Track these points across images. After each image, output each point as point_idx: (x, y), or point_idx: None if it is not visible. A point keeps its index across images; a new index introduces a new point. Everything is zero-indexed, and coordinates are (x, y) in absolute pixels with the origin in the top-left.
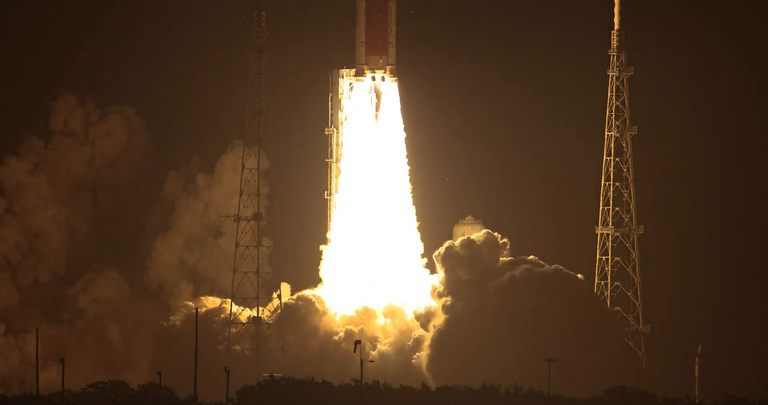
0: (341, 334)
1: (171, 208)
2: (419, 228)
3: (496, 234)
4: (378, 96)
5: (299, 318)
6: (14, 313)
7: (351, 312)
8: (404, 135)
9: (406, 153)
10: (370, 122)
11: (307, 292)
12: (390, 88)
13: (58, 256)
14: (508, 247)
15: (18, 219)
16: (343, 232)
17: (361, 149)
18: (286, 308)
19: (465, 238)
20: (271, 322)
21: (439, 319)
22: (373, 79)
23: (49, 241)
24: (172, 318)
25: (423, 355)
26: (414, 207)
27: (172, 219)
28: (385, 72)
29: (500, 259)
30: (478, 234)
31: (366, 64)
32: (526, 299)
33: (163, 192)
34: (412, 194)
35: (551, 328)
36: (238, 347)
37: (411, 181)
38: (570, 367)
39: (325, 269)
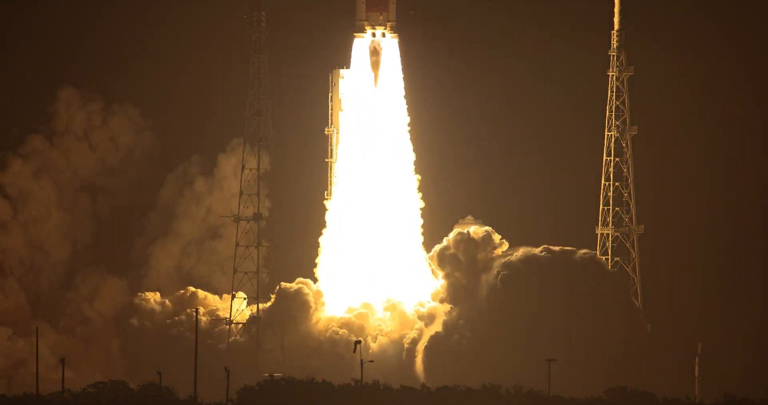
0: (340, 321)
1: (170, 214)
2: (421, 219)
3: (496, 235)
4: (378, 53)
5: (299, 304)
6: (21, 317)
7: (349, 307)
8: (404, 99)
9: (407, 120)
10: (369, 81)
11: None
12: (390, 44)
13: (59, 266)
14: (505, 248)
15: (22, 227)
16: (341, 230)
17: (361, 112)
18: (284, 293)
19: (463, 231)
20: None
21: (439, 324)
22: (374, 35)
23: (52, 252)
24: (143, 296)
25: (419, 360)
26: (417, 201)
27: (171, 225)
28: (385, 28)
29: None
30: (475, 228)
31: (366, 20)
32: (525, 285)
33: (160, 199)
34: (417, 181)
35: (554, 319)
36: (239, 337)
37: (416, 170)
38: (577, 359)
39: (322, 269)
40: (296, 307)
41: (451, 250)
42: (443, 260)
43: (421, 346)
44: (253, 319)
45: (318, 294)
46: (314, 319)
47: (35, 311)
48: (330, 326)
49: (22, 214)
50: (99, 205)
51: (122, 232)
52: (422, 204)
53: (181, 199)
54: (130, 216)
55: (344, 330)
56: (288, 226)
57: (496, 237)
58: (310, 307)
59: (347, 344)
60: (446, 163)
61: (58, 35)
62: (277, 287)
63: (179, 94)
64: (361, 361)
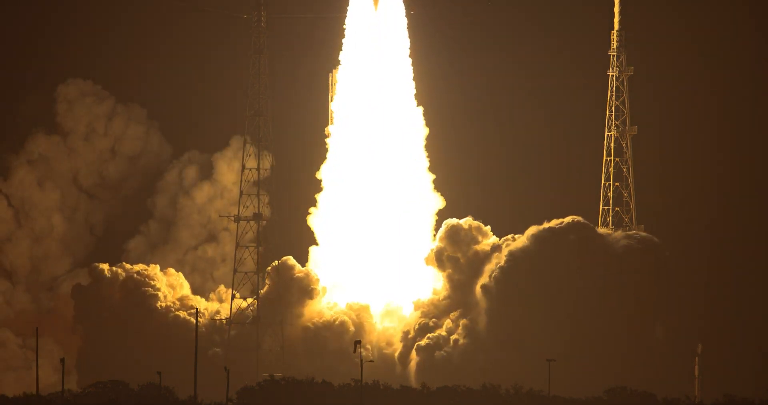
0: (341, 316)
1: (168, 222)
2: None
3: (495, 239)
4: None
5: (300, 290)
6: (28, 327)
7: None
8: (406, 26)
9: (408, 51)
10: (369, 4)
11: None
12: None
13: (61, 276)
14: (496, 242)
15: (27, 237)
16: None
17: (361, 36)
18: (284, 267)
19: (458, 223)
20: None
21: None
22: None
23: (55, 261)
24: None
25: (412, 368)
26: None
27: (170, 232)
28: None
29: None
30: (467, 220)
31: None
32: (520, 282)
33: (157, 207)
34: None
35: (554, 317)
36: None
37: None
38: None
39: (318, 257)
40: (298, 291)
41: (449, 252)
42: (441, 261)
43: (413, 356)
44: (253, 319)
45: (324, 290)
46: (316, 305)
47: (41, 319)
48: (331, 311)
49: (26, 224)
50: (98, 213)
51: (121, 239)
52: (433, 176)
53: (178, 205)
54: (129, 223)
55: (343, 319)
56: (288, 227)
57: (488, 231)
58: (313, 292)
59: (350, 333)
60: (444, 163)
61: (59, 35)
62: (279, 261)
63: (178, 94)
64: (361, 360)
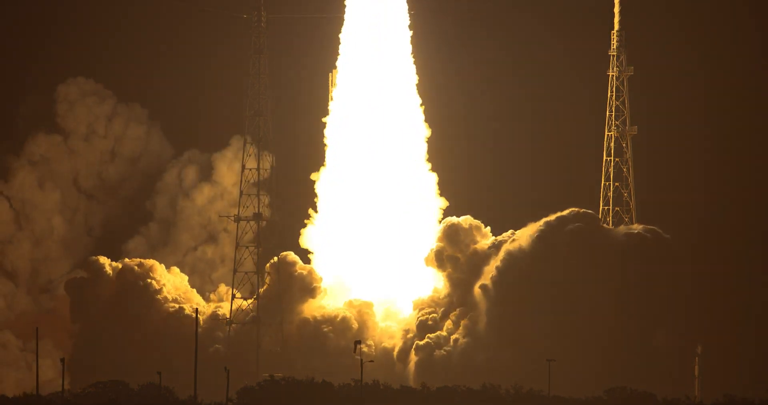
0: (343, 312)
1: (169, 223)
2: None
3: (493, 238)
4: None
5: (302, 288)
6: (30, 330)
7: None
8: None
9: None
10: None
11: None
12: None
13: (61, 278)
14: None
15: (27, 238)
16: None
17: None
18: (284, 262)
19: (455, 221)
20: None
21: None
22: None
23: (55, 263)
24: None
25: (412, 367)
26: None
27: (170, 234)
28: None
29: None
30: (466, 218)
31: None
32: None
33: (157, 211)
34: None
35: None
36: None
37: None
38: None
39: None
40: (299, 290)
41: (448, 251)
42: (441, 261)
43: (412, 355)
44: (253, 319)
45: (325, 291)
46: (317, 303)
47: (41, 321)
48: (331, 310)
49: (26, 226)
50: (98, 214)
51: (120, 240)
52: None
53: (178, 207)
54: (128, 225)
55: (344, 315)
56: (288, 227)
57: (486, 230)
58: (315, 290)
59: (352, 330)
60: (444, 163)
61: (59, 35)
62: (278, 257)
63: (178, 94)
64: (361, 360)
